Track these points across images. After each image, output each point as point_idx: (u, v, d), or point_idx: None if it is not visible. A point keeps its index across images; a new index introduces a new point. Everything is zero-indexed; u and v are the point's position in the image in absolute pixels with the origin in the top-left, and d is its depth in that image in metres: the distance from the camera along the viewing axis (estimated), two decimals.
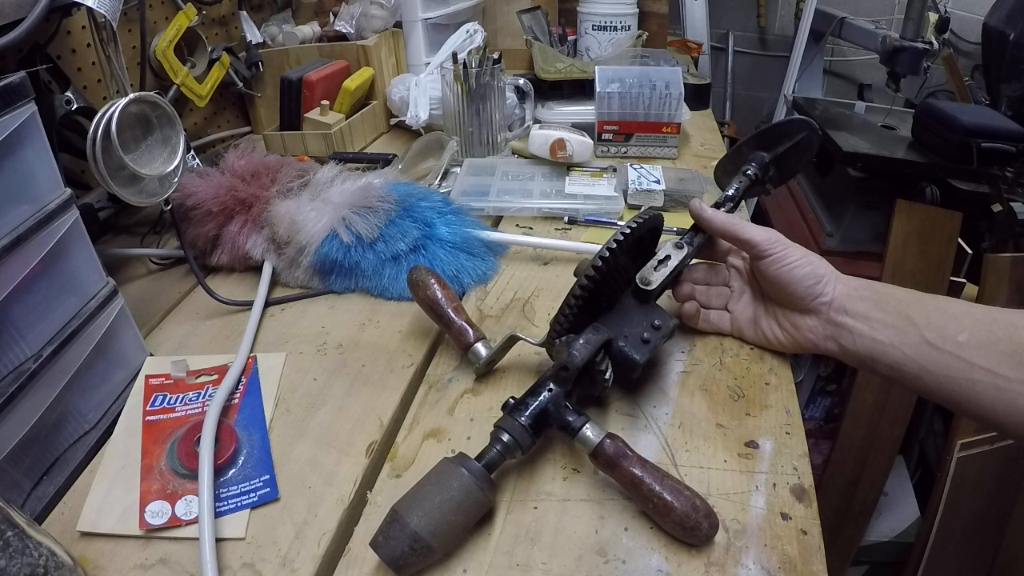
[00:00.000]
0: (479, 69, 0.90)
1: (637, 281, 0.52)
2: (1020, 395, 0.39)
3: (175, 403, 0.52)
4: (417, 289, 0.57)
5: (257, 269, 0.68)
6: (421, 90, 0.99)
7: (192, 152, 0.84)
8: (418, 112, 0.97)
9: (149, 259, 0.74)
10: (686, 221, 0.76)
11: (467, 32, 1.04)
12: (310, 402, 0.53)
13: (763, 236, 0.51)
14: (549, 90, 1.06)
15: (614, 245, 0.47)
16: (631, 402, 0.52)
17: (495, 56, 0.93)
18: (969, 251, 1.14)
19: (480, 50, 1.02)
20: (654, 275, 0.52)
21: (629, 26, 1.24)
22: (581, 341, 0.45)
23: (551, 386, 0.44)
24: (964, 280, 1.13)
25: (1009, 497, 1.11)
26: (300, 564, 0.40)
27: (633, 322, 0.50)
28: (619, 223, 0.78)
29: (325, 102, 0.96)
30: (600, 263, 0.47)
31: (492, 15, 1.32)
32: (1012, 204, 1.07)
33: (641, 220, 0.50)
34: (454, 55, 0.93)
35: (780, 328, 0.54)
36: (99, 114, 0.53)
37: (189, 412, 0.51)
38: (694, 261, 0.59)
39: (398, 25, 1.11)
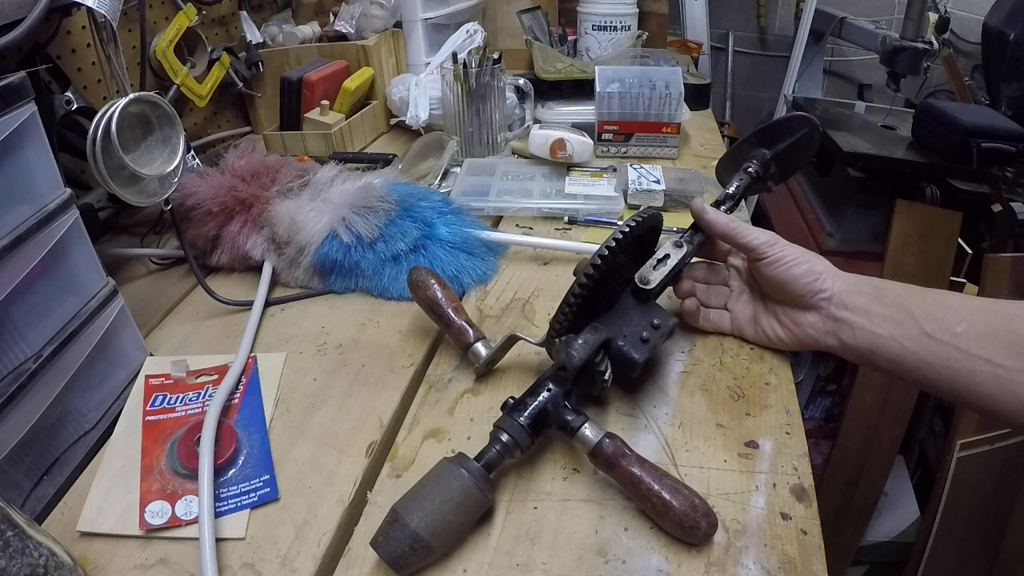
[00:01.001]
0: (479, 69, 0.90)
1: (636, 280, 0.52)
2: (1019, 384, 0.40)
3: (175, 403, 0.52)
4: (417, 289, 0.57)
5: (257, 269, 0.68)
6: (421, 90, 0.99)
7: (192, 152, 0.84)
8: (418, 112, 0.97)
9: (149, 259, 0.74)
10: (686, 221, 0.76)
11: (467, 32, 1.04)
12: (310, 402, 0.53)
13: (761, 239, 0.52)
14: (549, 90, 1.06)
15: (612, 244, 0.47)
16: (631, 402, 0.52)
17: (495, 56, 0.93)
18: (969, 251, 1.13)
19: (480, 50, 1.02)
20: (653, 274, 0.52)
21: (629, 26, 1.24)
22: (580, 341, 0.45)
23: (550, 386, 0.44)
24: (964, 280, 1.13)
25: (1009, 497, 1.11)
26: (300, 564, 0.40)
27: (632, 321, 0.50)
28: (619, 223, 0.78)
29: (325, 102, 0.96)
30: (598, 262, 0.47)
31: (492, 15, 1.32)
32: (1012, 204, 1.07)
33: (640, 219, 0.50)
34: (454, 55, 0.93)
35: (780, 325, 0.54)
36: (99, 114, 0.53)
37: (189, 412, 0.51)
38: (694, 260, 0.59)
39: (398, 25, 1.11)
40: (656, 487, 0.40)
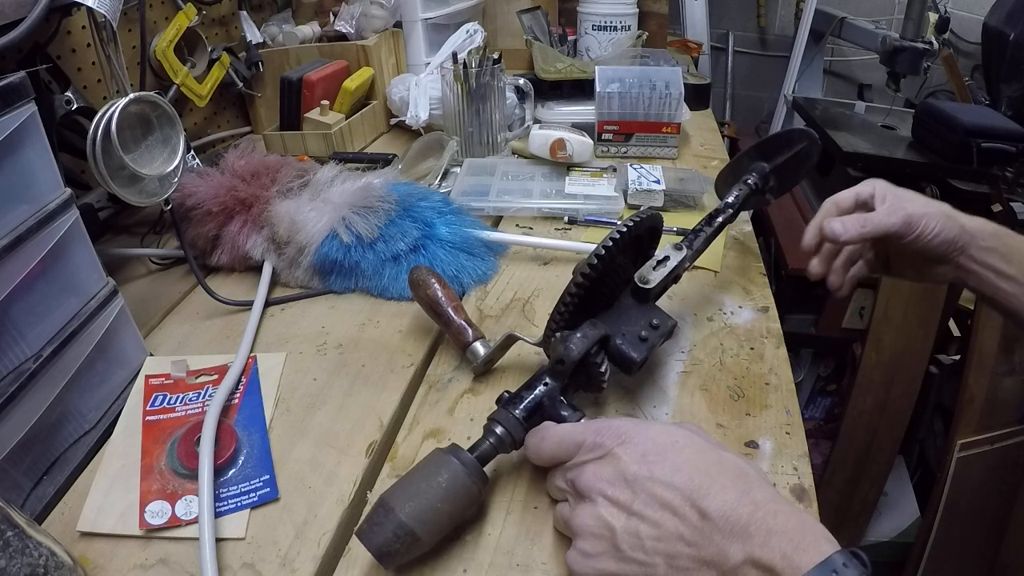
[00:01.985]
0: (479, 69, 0.90)
1: (636, 280, 0.52)
2: None
3: (175, 403, 0.52)
4: (418, 288, 0.57)
5: (257, 269, 0.68)
6: (421, 90, 0.99)
7: (192, 152, 0.84)
8: (418, 112, 0.97)
9: (149, 259, 0.74)
10: (686, 221, 0.76)
11: (467, 32, 1.04)
12: (310, 402, 0.53)
13: (899, 220, 0.52)
14: (549, 90, 1.06)
15: (609, 243, 0.47)
16: (631, 402, 0.52)
17: (495, 56, 0.93)
18: None
19: (480, 50, 1.02)
20: (653, 274, 0.52)
21: (629, 26, 1.24)
22: (578, 335, 0.45)
23: (547, 380, 0.44)
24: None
25: (1009, 497, 1.11)
26: (300, 564, 0.40)
27: (631, 321, 0.50)
28: (619, 223, 0.78)
29: (325, 102, 0.96)
30: (595, 261, 0.47)
31: (492, 15, 1.32)
32: (1012, 204, 1.07)
33: (639, 219, 0.50)
34: (454, 55, 0.93)
35: (911, 269, 0.58)
36: (99, 114, 0.53)
37: (189, 412, 0.51)
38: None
39: (398, 25, 1.11)
40: None
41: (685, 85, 0.93)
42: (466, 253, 0.67)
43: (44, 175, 0.46)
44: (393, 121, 1.07)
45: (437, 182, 0.86)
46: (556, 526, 0.41)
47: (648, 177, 0.82)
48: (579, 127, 0.92)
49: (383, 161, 0.93)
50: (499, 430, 0.42)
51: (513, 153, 0.97)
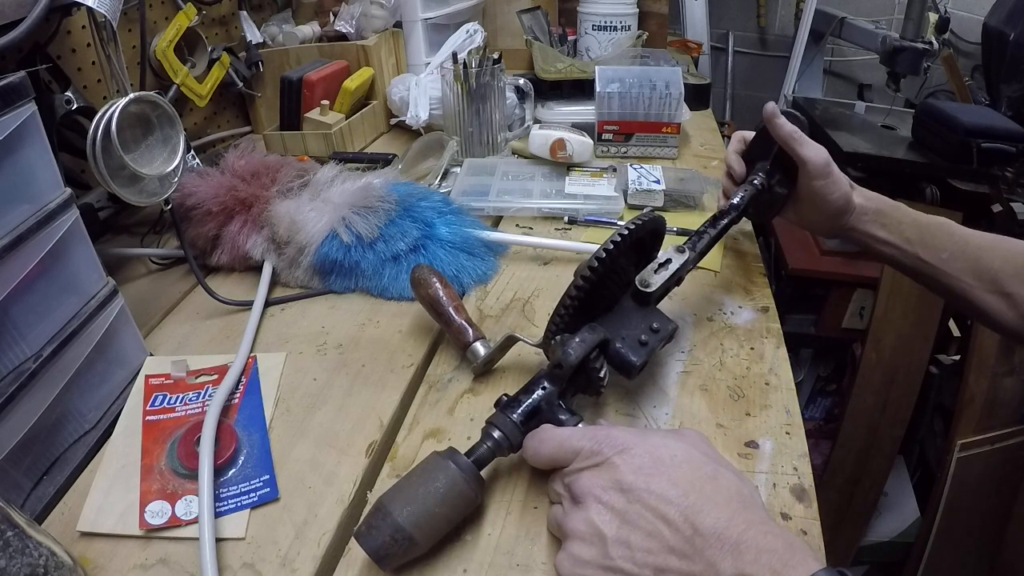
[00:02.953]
0: (479, 69, 0.90)
1: (637, 283, 0.51)
2: (982, 298, 0.58)
3: (175, 403, 0.52)
4: (419, 287, 0.57)
5: (257, 269, 0.68)
6: (421, 90, 0.99)
7: (192, 152, 0.84)
8: (418, 112, 0.97)
9: (149, 259, 0.74)
10: (687, 221, 0.76)
11: (467, 32, 1.04)
12: (310, 402, 0.53)
13: (818, 160, 0.60)
14: (549, 90, 1.06)
15: (611, 246, 0.47)
16: (631, 402, 0.52)
17: (495, 56, 0.93)
18: None
19: (480, 50, 1.02)
20: (654, 278, 0.52)
21: (629, 26, 1.24)
22: (576, 340, 0.44)
23: (545, 384, 0.44)
24: None
25: (1009, 497, 1.11)
26: (300, 564, 0.40)
27: (631, 324, 0.50)
28: (619, 223, 0.78)
29: (325, 102, 0.96)
30: (596, 264, 0.47)
31: (492, 15, 1.32)
32: (1012, 204, 1.07)
33: (641, 221, 0.50)
34: (454, 55, 0.93)
35: (801, 219, 0.67)
36: (99, 114, 0.53)
37: (189, 412, 0.51)
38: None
39: (398, 25, 1.11)
40: None
41: (685, 85, 0.93)
42: (466, 253, 0.67)
43: (44, 175, 0.46)
44: (393, 121, 1.07)
45: (437, 182, 0.86)
46: (549, 528, 0.41)
47: (648, 177, 0.82)
48: (579, 127, 0.92)
49: (383, 161, 0.93)
50: (496, 434, 0.42)
51: (513, 153, 0.97)
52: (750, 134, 0.67)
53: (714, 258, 0.70)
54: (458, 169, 0.90)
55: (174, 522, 0.42)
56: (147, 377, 0.54)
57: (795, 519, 0.42)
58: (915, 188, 1.16)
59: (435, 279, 0.56)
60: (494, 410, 0.44)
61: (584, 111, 1.01)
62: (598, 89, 0.93)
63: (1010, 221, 1.07)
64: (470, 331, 0.54)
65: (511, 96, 1.00)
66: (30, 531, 0.35)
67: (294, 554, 0.41)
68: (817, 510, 0.43)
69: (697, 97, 1.17)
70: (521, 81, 1.01)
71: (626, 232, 0.48)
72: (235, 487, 0.45)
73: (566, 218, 0.79)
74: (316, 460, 0.47)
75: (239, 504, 0.44)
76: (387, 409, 0.52)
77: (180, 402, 0.52)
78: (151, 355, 0.57)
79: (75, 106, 0.64)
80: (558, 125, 0.93)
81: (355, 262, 0.64)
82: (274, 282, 0.67)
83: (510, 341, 0.52)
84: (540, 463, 0.41)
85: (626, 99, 0.93)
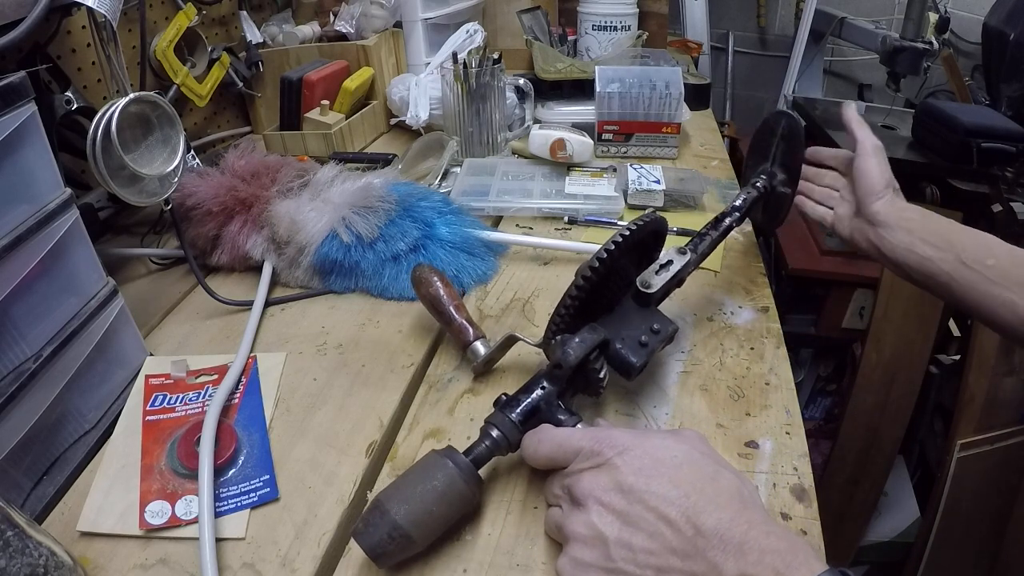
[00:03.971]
0: (479, 69, 0.90)
1: (638, 284, 0.51)
2: None
3: (175, 403, 0.52)
4: (420, 285, 0.57)
5: (257, 269, 0.68)
6: (421, 90, 0.99)
7: (192, 152, 0.84)
8: (418, 112, 0.97)
9: (149, 259, 0.74)
10: (687, 221, 0.76)
11: (467, 32, 1.04)
12: (310, 402, 0.53)
13: (870, 143, 0.63)
14: (549, 90, 1.06)
15: (612, 247, 0.47)
16: (631, 402, 0.52)
17: (495, 56, 0.93)
18: None
19: (480, 50, 1.02)
20: (655, 279, 0.52)
21: (629, 26, 1.24)
22: (576, 340, 0.44)
23: (544, 384, 0.44)
24: None
25: (1009, 497, 1.11)
26: (300, 564, 0.40)
27: (632, 325, 0.50)
28: (619, 223, 0.78)
29: (325, 102, 0.96)
30: (597, 264, 0.47)
31: (492, 15, 1.32)
32: (1012, 204, 1.07)
33: (643, 222, 0.50)
34: (454, 55, 0.93)
35: (864, 236, 0.62)
36: (99, 114, 0.53)
37: (189, 412, 0.51)
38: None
39: (398, 25, 1.11)
40: None
41: (685, 85, 0.93)
42: (466, 253, 0.67)
43: (44, 175, 0.46)
44: (393, 121, 1.07)
45: (437, 182, 0.86)
46: (547, 531, 0.41)
47: (648, 177, 0.82)
48: (579, 127, 0.92)
49: (383, 161, 0.93)
50: (495, 433, 0.42)
51: (513, 153, 0.97)
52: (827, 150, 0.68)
53: (714, 258, 0.70)
54: (458, 169, 0.90)
55: (174, 522, 0.42)
56: (147, 377, 0.54)
57: (795, 519, 0.42)
58: (915, 188, 1.16)
59: (436, 278, 0.57)
60: (493, 410, 0.44)
61: (584, 111, 1.01)
62: (598, 89, 0.93)
63: (1010, 221, 1.07)
64: (470, 330, 0.54)
65: (511, 96, 1.00)
66: (30, 531, 0.35)
67: (294, 554, 0.41)
68: (817, 510, 0.43)
69: (697, 97, 1.17)
70: (521, 81, 1.01)
71: (628, 232, 0.48)
72: (235, 487, 0.45)
73: (566, 218, 0.79)
74: (316, 460, 0.47)
75: (239, 504, 0.44)
76: (387, 409, 0.52)
77: (180, 402, 0.52)
78: (151, 355, 0.57)
79: (75, 106, 0.64)
80: (558, 125, 0.93)
81: (355, 262, 0.64)
82: (274, 282, 0.67)
83: (510, 341, 0.52)
84: (538, 463, 0.41)
85: (626, 99, 0.93)
